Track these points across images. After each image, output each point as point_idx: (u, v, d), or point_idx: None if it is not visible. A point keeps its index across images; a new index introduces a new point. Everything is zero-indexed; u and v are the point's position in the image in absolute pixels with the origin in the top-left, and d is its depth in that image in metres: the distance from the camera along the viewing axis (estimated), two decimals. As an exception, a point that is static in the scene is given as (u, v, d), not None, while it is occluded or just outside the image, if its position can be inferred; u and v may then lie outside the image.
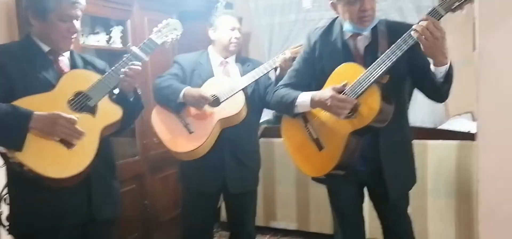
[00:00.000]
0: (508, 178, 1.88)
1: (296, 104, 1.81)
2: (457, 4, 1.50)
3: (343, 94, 1.68)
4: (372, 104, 1.63)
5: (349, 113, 1.67)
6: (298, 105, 1.80)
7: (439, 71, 1.58)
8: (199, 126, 2.16)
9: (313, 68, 1.85)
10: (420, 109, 3.96)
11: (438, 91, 1.65)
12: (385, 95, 1.63)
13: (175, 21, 1.90)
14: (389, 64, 1.60)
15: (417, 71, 1.69)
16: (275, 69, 2.21)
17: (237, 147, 2.25)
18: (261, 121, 3.40)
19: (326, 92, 1.70)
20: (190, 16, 3.12)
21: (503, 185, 1.89)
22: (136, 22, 2.91)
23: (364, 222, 2.03)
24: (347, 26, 1.75)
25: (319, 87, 1.80)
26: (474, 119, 3.31)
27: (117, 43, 2.87)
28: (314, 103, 1.75)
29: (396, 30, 1.66)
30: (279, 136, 3.29)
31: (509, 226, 1.89)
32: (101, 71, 1.74)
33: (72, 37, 1.65)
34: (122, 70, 1.67)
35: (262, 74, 2.21)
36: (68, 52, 1.72)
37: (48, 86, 1.58)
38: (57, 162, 1.52)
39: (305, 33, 5.24)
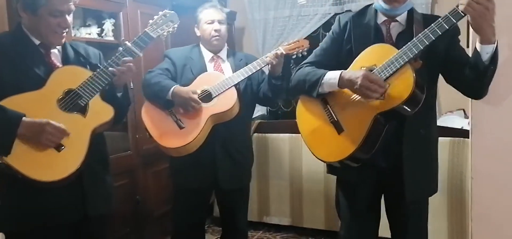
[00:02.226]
0: (501, 175, 1.88)
1: (322, 82, 1.70)
2: None
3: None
4: (404, 85, 1.53)
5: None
6: (324, 83, 1.69)
7: (486, 51, 1.49)
8: (190, 121, 2.13)
9: (340, 49, 1.77)
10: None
11: (481, 78, 1.53)
12: (418, 80, 1.53)
13: (172, 12, 1.84)
14: (427, 43, 1.51)
15: (455, 61, 1.62)
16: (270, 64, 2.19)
17: (229, 143, 2.23)
18: (255, 116, 3.40)
19: (357, 71, 1.60)
20: (183, 10, 3.09)
21: (496, 182, 1.89)
22: (128, 14, 2.87)
23: (377, 227, 1.88)
24: (378, 5, 1.70)
25: (344, 68, 1.69)
26: (466, 116, 3.33)
27: (109, 36, 2.83)
28: (343, 82, 1.64)
29: (433, 21, 1.55)
30: (273, 131, 3.33)
31: (502, 224, 1.90)
32: (94, 65, 1.70)
33: (63, 32, 1.60)
34: (113, 68, 1.62)
35: (255, 71, 2.17)
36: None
37: (39, 81, 1.54)
38: (46, 164, 1.48)
39: (299, 28, 5.27)
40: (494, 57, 1.50)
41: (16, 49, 1.56)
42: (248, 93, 2.29)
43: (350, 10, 4.47)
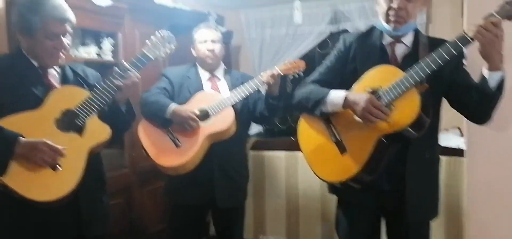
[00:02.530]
0: (497, 195, 1.89)
1: (326, 100, 1.68)
2: None
3: (378, 96, 1.58)
4: (410, 108, 1.53)
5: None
6: (328, 102, 1.67)
7: (494, 78, 1.50)
8: (187, 140, 2.14)
9: (344, 68, 1.76)
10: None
11: (487, 104, 1.55)
12: (424, 104, 1.53)
13: (169, 33, 1.85)
14: (434, 67, 1.51)
15: (459, 85, 1.63)
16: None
17: (225, 161, 2.24)
18: (251, 133, 3.41)
19: (362, 95, 1.59)
20: (181, 29, 3.12)
21: (492, 202, 1.90)
22: (127, 34, 2.89)
23: None
24: (380, 25, 1.70)
25: (347, 88, 1.69)
26: (462, 135, 3.35)
27: (107, 56, 2.85)
28: (348, 104, 1.62)
29: (439, 45, 1.56)
30: (269, 149, 3.34)
31: (497, 243, 1.90)
32: (92, 85, 1.71)
33: (58, 55, 1.61)
34: (119, 82, 1.63)
35: (252, 91, 2.19)
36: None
37: (36, 101, 1.55)
38: (42, 184, 1.48)
39: (295, 47, 5.30)
40: (501, 84, 1.52)
41: (14, 70, 1.58)
42: (245, 112, 2.31)
43: (346, 29, 4.52)
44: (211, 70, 2.35)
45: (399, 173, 1.65)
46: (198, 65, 2.37)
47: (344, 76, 1.75)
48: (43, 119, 1.53)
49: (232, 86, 2.30)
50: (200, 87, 2.29)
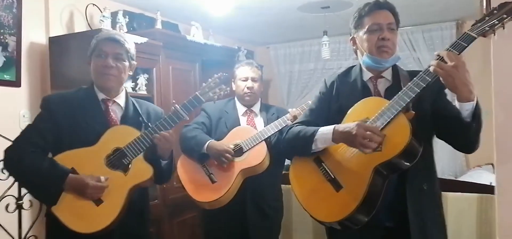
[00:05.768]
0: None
1: (315, 137, 1.65)
2: (487, 28, 1.44)
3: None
4: (401, 134, 1.49)
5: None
6: (318, 139, 1.64)
7: (465, 109, 1.48)
8: (222, 175, 2.20)
9: (329, 108, 1.75)
10: (440, 160, 3.93)
11: (465, 134, 1.52)
12: (414, 130, 1.49)
13: (225, 75, 1.89)
14: (418, 91, 1.50)
15: (442, 115, 1.60)
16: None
17: (259, 196, 2.28)
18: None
19: (350, 123, 1.56)
20: (212, 65, 3.24)
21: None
22: (161, 70, 3.03)
23: None
24: (366, 60, 1.68)
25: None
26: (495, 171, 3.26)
27: (142, 90, 2.99)
28: (337, 135, 1.59)
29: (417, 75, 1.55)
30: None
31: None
32: (152, 122, 1.76)
33: (108, 74, 1.69)
34: (157, 135, 1.68)
35: (285, 125, 2.23)
36: (124, 99, 1.78)
37: (95, 136, 1.65)
38: (83, 217, 1.59)
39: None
40: (476, 114, 1.48)
41: (79, 103, 1.70)
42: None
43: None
44: (249, 105, 2.43)
45: (399, 209, 1.60)
46: (235, 99, 2.45)
47: (330, 115, 1.73)
48: (95, 155, 1.64)
49: (268, 121, 2.35)
50: (236, 122, 2.36)
